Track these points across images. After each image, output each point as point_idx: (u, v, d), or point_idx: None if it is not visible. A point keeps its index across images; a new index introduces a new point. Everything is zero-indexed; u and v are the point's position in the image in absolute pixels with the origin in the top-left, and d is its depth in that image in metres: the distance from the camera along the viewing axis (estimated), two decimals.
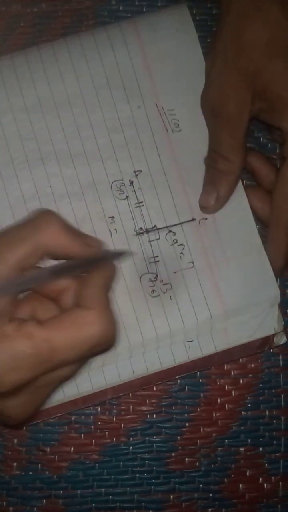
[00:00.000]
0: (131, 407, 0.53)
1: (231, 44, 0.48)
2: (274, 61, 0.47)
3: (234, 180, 0.51)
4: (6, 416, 0.41)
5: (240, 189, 0.52)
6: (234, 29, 0.48)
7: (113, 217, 0.51)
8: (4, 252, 0.38)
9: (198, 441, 0.53)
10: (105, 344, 0.39)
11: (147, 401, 0.53)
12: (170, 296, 0.51)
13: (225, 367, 0.54)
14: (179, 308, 0.51)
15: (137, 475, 0.53)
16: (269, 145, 0.55)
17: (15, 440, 0.53)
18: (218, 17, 0.50)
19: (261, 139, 0.55)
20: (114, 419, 0.53)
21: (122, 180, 0.51)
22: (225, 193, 0.51)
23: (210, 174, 0.51)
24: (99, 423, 0.53)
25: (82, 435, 0.53)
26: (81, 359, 0.40)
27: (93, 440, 0.53)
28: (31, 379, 0.38)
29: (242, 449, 0.53)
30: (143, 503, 0.53)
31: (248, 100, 0.48)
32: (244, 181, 0.52)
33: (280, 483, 0.53)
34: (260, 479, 0.53)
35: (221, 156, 0.50)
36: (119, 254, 0.46)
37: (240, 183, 0.52)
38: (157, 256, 0.51)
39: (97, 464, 0.53)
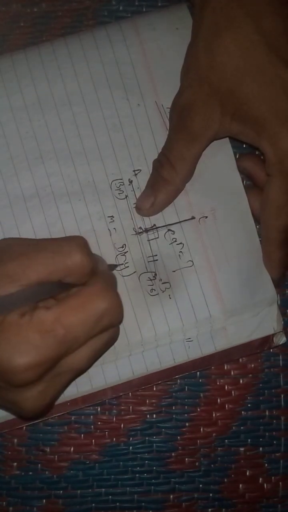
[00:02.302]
0: (131, 407, 0.53)
1: (203, 59, 0.48)
2: (247, 82, 0.47)
3: (173, 191, 0.50)
4: (23, 409, 0.41)
5: (240, 188, 0.52)
6: (206, 44, 0.47)
7: (112, 216, 0.51)
8: (26, 268, 0.40)
9: (198, 441, 0.53)
10: (110, 315, 0.41)
11: (147, 401, 0.53)
12: (169, 295, 0.51)
13: (225, 367, 0.54)
14: (178, 307, 0.51)
15: (137, 475, 0.53)
16: (256, 151, 0.55)
17: (15, 440, 0.53)
18: (192, 27, 0.50)
19: (244, 145, 0.55)
20: (114, 419, 0.53)
21: (121, 179, 0.51)
22: (162, 201, 0.50)
23: (152, 177, 0.51)
24: (99, 423, 0.53)
25: (82, 435, 0.53)
26: (91, 336, 0.41)
27: (93, 440, 0.53)
28: (48, 362, 0.39)
29: (242, 449, 0.53)
30: (143, 503, 0.53)
31: (216, 118, 0.48)
32: (244, 181, 0.52)
33: (280, 483, 0.53)
34: (260, 479, 0.53)
35: (169, 162, 0.49)
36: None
37: (240, 183, 0.52)
38: (156, 255, 0.51)
39: (97, 464, 0.53)
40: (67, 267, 0.41)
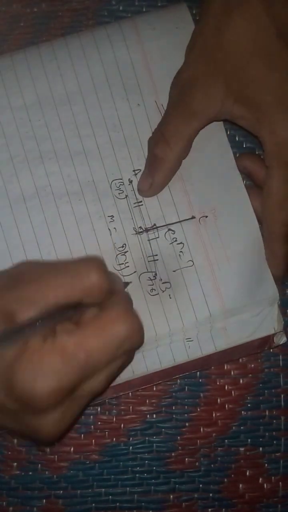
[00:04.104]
0: (131, 407, 0.53)
1: (211, 37, 0.47)
2: (253, 64, 0.46)
3: (168, 169, 0.50)
4: (42, 434, 0.41)
5: (241, 187, 0.52)
6: (215, 22, 0.47)
7: (112, 216, 0.51)
8: (44, 291, 0.40)
9: (198, 441, 0.53)
10: (132, 338, 0.41)
11: (147, 401, 0.53)
12: (170, 295, 0.51)
13: (225, 367, 0.54)
14: (179, 307, 0.51)
15: (137, 475, 0.53)
16: (256, 150, 0.55)
17: (15, 440, 0.53)
18: (202, 4, 0.50)
19: (244, 144, 0.55)
20: (114, 419, 0.53)
21: (121, 179, 0.51)
22: (159, 181, 0.50)
23: (148, 158, 0.51)
24: (99, 423, 0.53)
25: (82, 435, 0.53)
26: (112, 360, 0.41)
27: (93, 440, 0.53)
28: (70, 388, 0.39)
29: (242, 449, 0.53)
30: (143, 503, 0.53)
31: (219, 96, 0.48)
32: (244, 181, 0.52)
33: (280, 483, 0.53)
34: (260, 479, 0.53)
35: (163, 138, 0.49)
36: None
37: (241, 182, 0.52)
38: (156, 255, 0.51)
39: (97, 464, 0.53)
40: (84, 289, 0.40)
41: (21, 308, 0.39)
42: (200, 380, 0.53)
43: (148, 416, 0.53)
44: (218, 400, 0.53)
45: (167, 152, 0.49)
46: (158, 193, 0.51)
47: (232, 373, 0.54)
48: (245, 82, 0.47)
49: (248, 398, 0.54)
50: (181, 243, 0.51)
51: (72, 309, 0.40)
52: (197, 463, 0.53)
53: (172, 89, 0.50)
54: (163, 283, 0.51)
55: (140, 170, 0.51)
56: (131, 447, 0.53)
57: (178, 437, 0.53)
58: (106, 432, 0.53)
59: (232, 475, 0.53)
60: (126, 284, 0.50)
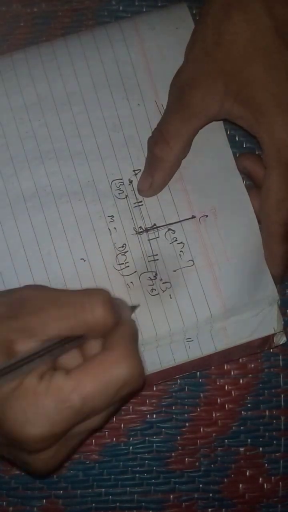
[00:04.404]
0: (131, 407, 0.53)
1: (211, 36, 0.47)
2: (252, 64, 0.46)
3: (168, 168, 0.50)
4: (34, 469, 0.40)
5: (241, 187, 0.52)
6: (215, 21, 0.47)
7: (112, 216, 0.51)
8: (45, 323, 0.38)
9: (198, 441, 0.53)
10: (132, 384, 0.39)
11: (147, 401, 0.53)
12: (170, 295, 0.51)
13: (225, 367, 0.54)
14: (179, 307, 0.50)
15: (137, 475, 0.53)
16: (256, 150, 0.55)
17: None
18: (204, 4, 0.50)
19: (244, 144, 0.55)
20: (114, 419, 0.53)
21: (121, 179, 0.51)
22: (159, 180, 0.50)
23: (148, 157, 0.51)
24: None
25: None
26: (109, 405, 0.39)
27: (93, 440, 0.53)
28: (63, 432, 0.38)
29: (242, 449, 0.53)
30: (143, 503, 0.53)
31: (218, 96, 0.48)
32: (244, 181, 0.52)
33: (280, 483, 0.53)
34: (260, 479, 0.53)
35: (163, 138, 0.49)
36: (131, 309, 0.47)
37: (241, 181, 0.52)
38: (157, 255, 0.51)
39: (97, 464, 0.53)
40: (88, 324, 0.39)
41: (21, 338, 0.38)
42: (200, 380, 0.53)
43: (148, 416, 0.53)
44: (218, 400, 0.53)
45: (167, 151, 0.49)
46: (158, 193, 0.51)
47: (232, 373, 0.54)
48: (245, 82, 0.47)
49: (248, 398, 0.54)
50: (181, 242, 0.51)
51: (74, 341, 0.39)
52: (197, 463, 0.53)
53: (172, 89, 0.50)
54: (163, 283, 0.51)
55: (140, 170, 0.51)
56: (131, 447, 0.53)
57: (178, 437, 0.53)
58: (106, 432, 0.53)
59: (232, 475, 0.53)
60: (134, 308, 0.48)
